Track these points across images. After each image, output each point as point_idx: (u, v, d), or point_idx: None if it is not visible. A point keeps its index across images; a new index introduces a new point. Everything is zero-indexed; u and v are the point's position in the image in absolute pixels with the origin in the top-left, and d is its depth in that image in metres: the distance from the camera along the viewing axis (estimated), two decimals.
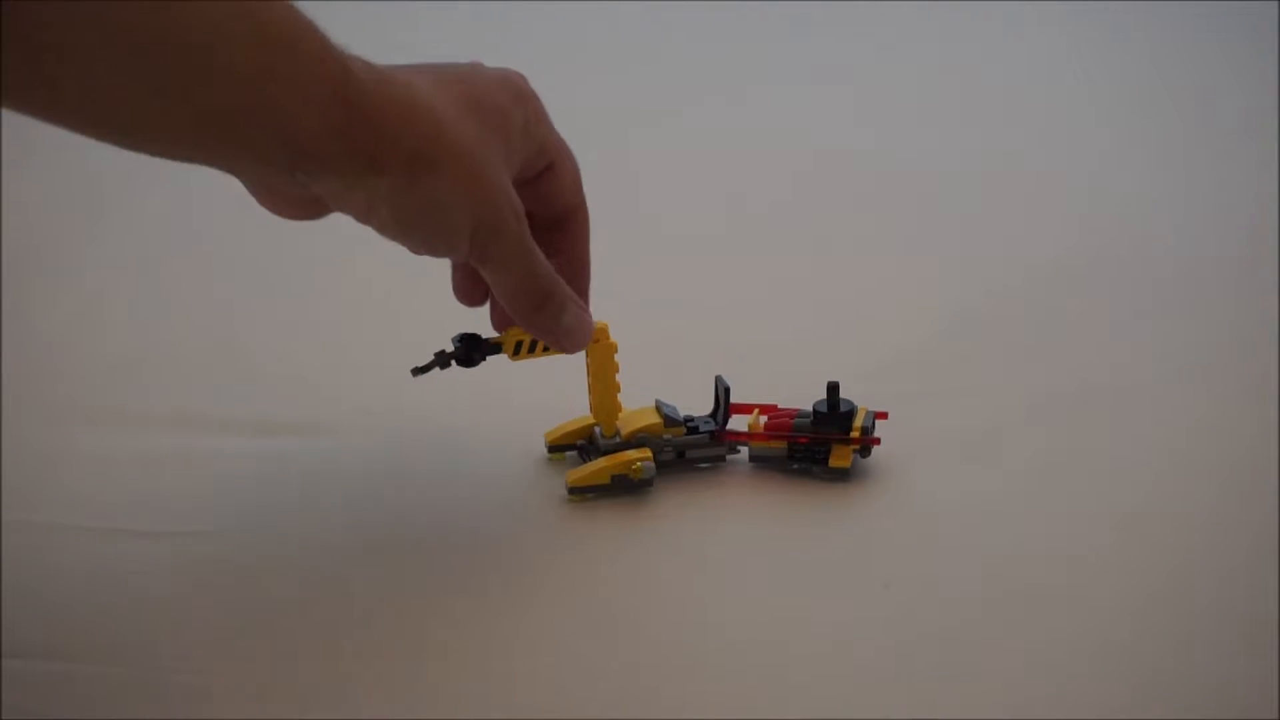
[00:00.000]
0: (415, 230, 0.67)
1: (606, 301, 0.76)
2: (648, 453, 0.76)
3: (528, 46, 1.27)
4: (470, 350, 0.74)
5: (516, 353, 0.74)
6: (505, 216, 0.68)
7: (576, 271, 0.75)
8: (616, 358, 0.76)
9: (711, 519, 0.75)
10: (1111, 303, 0.94)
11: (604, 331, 0.76)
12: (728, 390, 0.77)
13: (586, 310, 0.74)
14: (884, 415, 0.78)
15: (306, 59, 0.62)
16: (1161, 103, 1.22)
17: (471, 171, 0.67)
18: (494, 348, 0.74)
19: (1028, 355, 0.88)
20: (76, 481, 0.78)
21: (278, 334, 0.92)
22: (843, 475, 0.77)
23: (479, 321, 0.75)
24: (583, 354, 0.76)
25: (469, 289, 0.75)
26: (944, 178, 1.11)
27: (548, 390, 0.78)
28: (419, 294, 0.80)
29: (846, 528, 0.75)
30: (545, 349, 0.74)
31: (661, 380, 0.79)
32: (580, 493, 0.76)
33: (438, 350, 0.74)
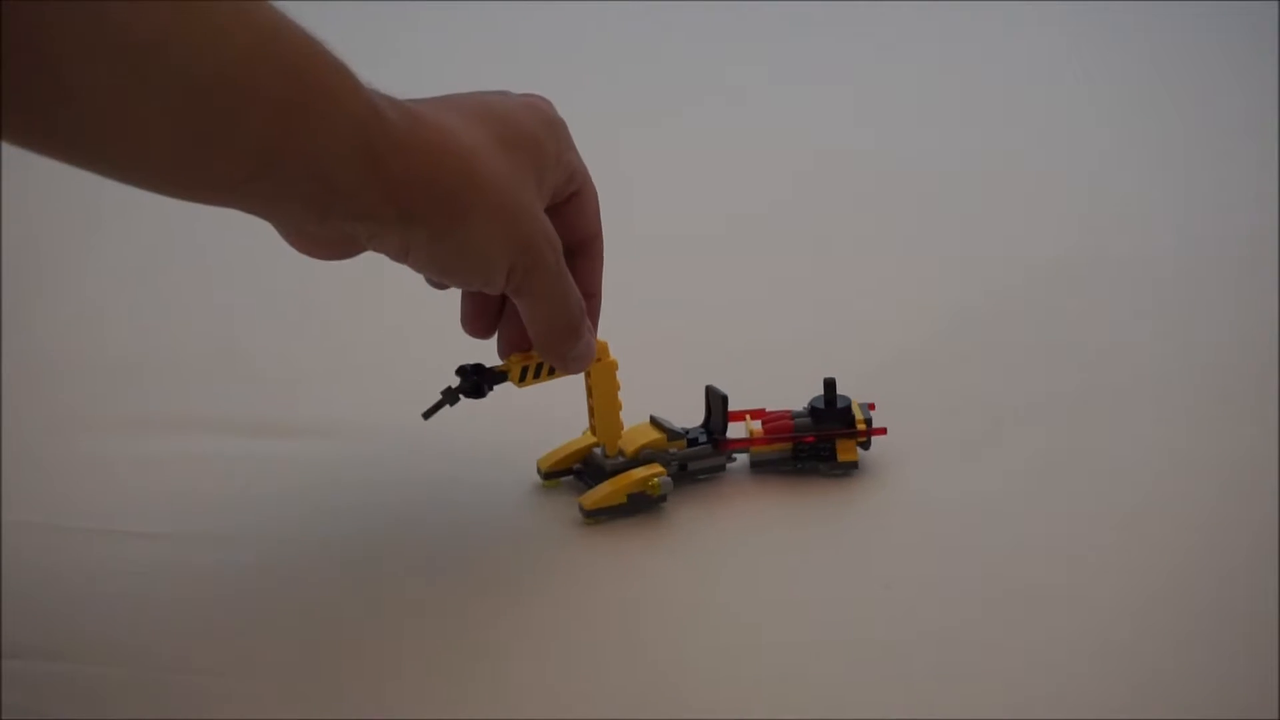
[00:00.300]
0: (452, 272, 0.67)
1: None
2: (661, 469, 0.75)
3: (520, 47, 1.29)
4: (479, 382, 0.72)
5: (522, 379, 0.73)
6: (543, 251, 0.68)
7: (588, 301, 0.74)
8: (617, 375, 0.75)
9: (722, 527, 0.75)
10: (1111, 303, 0.94)
11: (604, 350, 0.75)
12: (724, 399, 0.77)
13: (594, 333, 0.73)
14: (873, 406, 0.78)
15: (336, 94, 0.61)
16: (1161, 102, 1.22)
17: (507, 210, 0.66)
18: (500, 376, 0.73)
19: (1027, 355, 0.88)
20: (76, 483, 0.78)
21: (277, 337, 0.92)
22: (853, 468, 0.77)
23: (471, 348, 0.74)
24: (582, 374, 0.75)
25: (480, 322, 0.74)
26: (943, 178, 1.11)
27: (533, 414, 0.77)
28: (419, 294, 0.79)
29: (851, 527, 0.75)
30: (550, 373, 0.73)
31: (647, 389, 0.77)
32: (597, 516, 0.75)
33: (444, 388, 0.72)
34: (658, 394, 0.78)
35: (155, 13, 0.56)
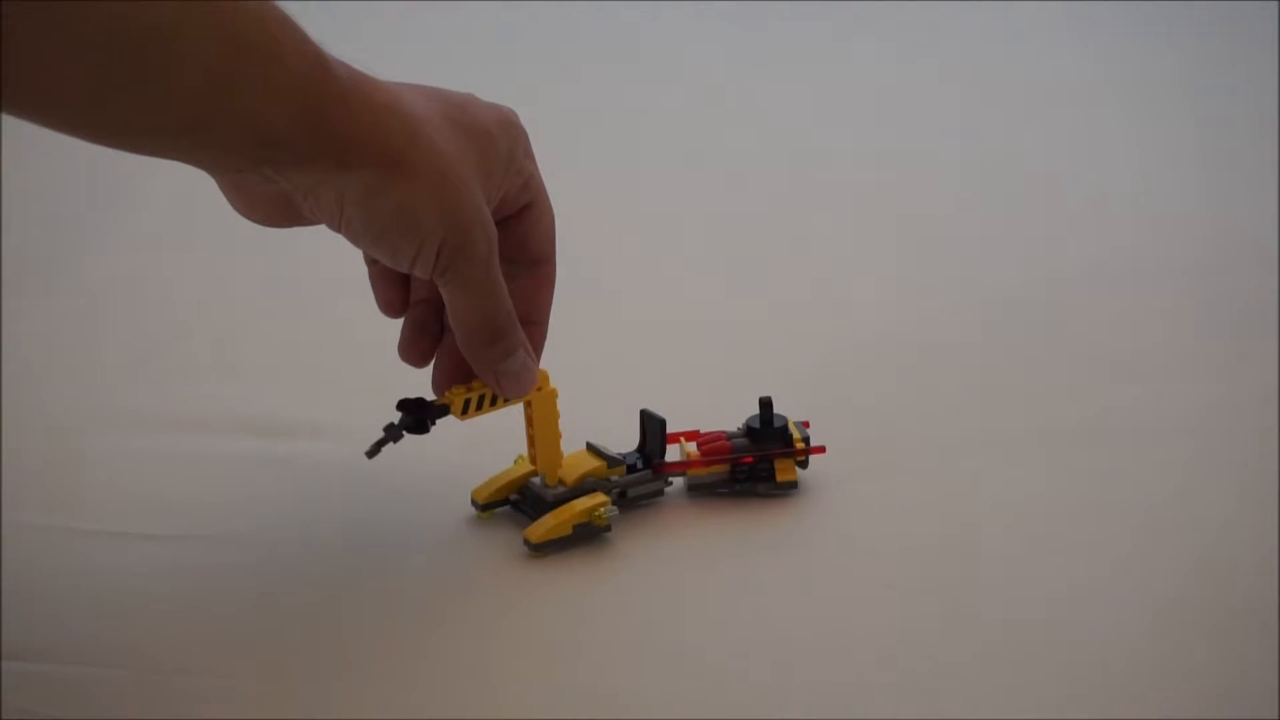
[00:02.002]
0: (383, 235, 0.65)
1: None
2: (605, 498, 0.74)
3: (492, 46, 1.30)
4: (421, 417, 0.71)
5: (465, 411, 0.72)
6: (476, 235, 0.66)
7: (532, 328, 0.73)
8: (557, 404, 0.74)
9: (669, 554, 0.74)
10: (1111, 302, 0.96)
11: (545, 379, 0.73)
12: (662, 423, 0.76)
13: (535, 360, 0.72)
14: (807, 424, 0.78)
15: (280, 52, 0.61)
16: (1165, 112, 1.22)
17: (446, 181, 0.65)
18: (441, 409, 0.72)
19: (1021, 358, 0.90)
20: (77, 484, 0.79)
21: (280, 336, 0.93)
22: (792, 488, 0.77)
23: (419, 386, 0.74)
24: (521, 404, 0.74)
25: (418, 345, 0.72)
26: (904, 183, 1.12)
27: (467, 444, 0.76)
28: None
29: (798, 546, 0.75)
30: (492, 404, 0.72)
31: (572, 413, 0.76)
32: (543, 549, 0.73)
33: (386, 424, 0.72)
34: (584, 417, 0.76)
35: None
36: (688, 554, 0.74)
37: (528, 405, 0.74)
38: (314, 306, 0.96)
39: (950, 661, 0.67)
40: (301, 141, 0.62)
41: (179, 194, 1.03)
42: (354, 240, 0.66)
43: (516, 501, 0.76)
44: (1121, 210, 1.08)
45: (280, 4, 0.62)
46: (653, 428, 0.76)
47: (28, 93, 0.58)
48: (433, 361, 0.73)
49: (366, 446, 0.72)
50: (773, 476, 0.77)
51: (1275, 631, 0.67)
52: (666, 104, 1.26)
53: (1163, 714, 0.63)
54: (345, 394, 0.85)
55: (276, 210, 0.67)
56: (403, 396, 0.72)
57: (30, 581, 0.71)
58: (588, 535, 0.74)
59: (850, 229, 1.06)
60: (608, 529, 0.74)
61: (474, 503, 0.76)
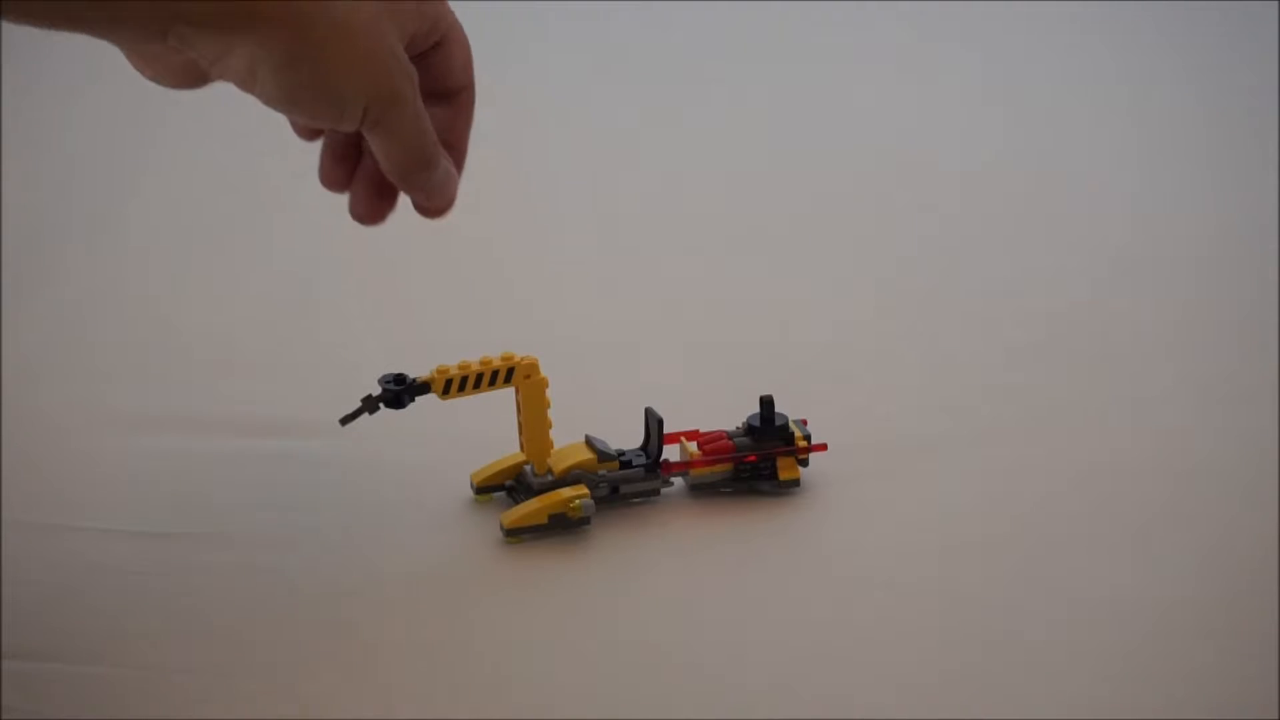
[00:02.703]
0: (301, 100, 0.63)
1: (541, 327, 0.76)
2: (584, 490, 0.74)
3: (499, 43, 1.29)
4: (399, 392, 0.72)
5: (446, 392, 0.73)
6: (401, 84, 0.65)
7: (452, 152, 0.71)
8: (547, 393, 0.74)
9: (654, 551, 0.74)
10: (1111, 302, 0.95)
11: (534, 367, 0.74)
12: (660, 422, 0.75)
13: (454, 167, 0.70)
14: (805, 421, 0.78)
15: None
16: (1166, 112, 1.21)
17: (359, 41, 0.63)
18: (422, 387, 0.73)
19: (1022, 358, 0.89)
20: (76, 482, 0.79)
21: (277, 334, 0.93)
22: (794, 486, 0.77)
23: (404, 361, 0.75)
24: (512, 391, 0.74)
25: (337, 174, 0.70)
26: (899, 181, 1.12)
27: (473, 427, 0.77)
28: (421, 292, 0.80)
29: (796, 536, 0.75)
30: (475, 387, 0.73)
31: (590, 406, 0.77)
32: (517, 534, 0.73)
33: (364, 395, 0.72)
34: (587, 415, 0.77)
35: None
36: (688, 552, 0.74)
37: (517, 393, 0.75)
38: (312, 306, 0.96)
39: (950, 661, 0.67)
40: (206, 8, 0.60)
41: (177, 194, 1.06)
42: (267, 103, 0.64)
43: (511, 488, 0.77)
44: (1122, 210, 1.08)
45: None
46: (653, 426, 0.76)
47: None
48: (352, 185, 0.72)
49: (341, 415, 0.72)
50: (775, 475, 0.77)
51: (1275, 631, 0.67)
52: (671, 100, 1.25)
53: (1163, 714, 0.63)
54: (343, 392, 0.83)
55: (183, 74, 0.65)
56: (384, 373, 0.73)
57: (30, 581, 0.71)
58: (564, 526, 0.74)
59: (852, 227, 1.06)
60: (585, 522, 0.74)
61: (472, 485, 0.77)
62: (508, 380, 0.74)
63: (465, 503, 0.77)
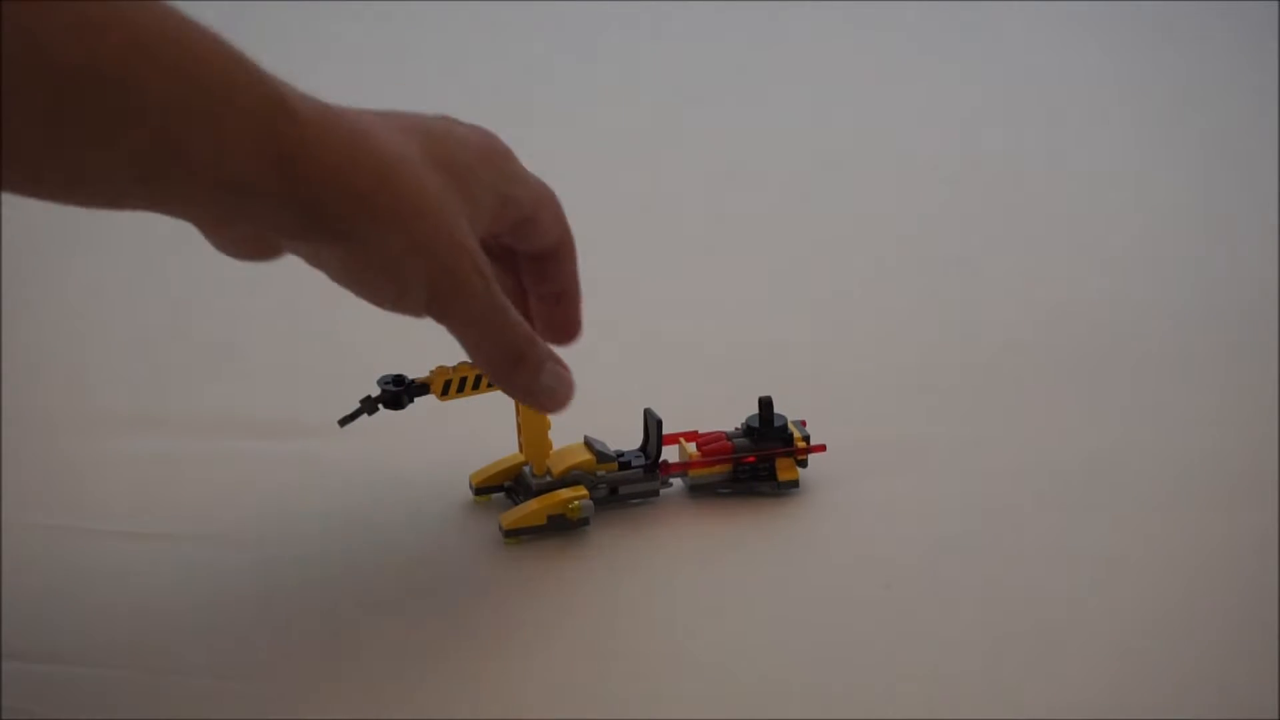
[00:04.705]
0: (364, 283, 0.63)
1: None
2: (583, 491, 0.74)
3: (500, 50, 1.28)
4: (397, 393, 0.72)
5: (445, 393, 0.73)
6: (466, 273, 0.63)
7: (566, 296, 0.72)
8: None
9: (652, 551, 0.74)
10: (1112, 303, 0.95)
11: None
12: (659, 423, 0.75)
13: (566, 368, 0.69)
14: (804, 422, 0.78)
15: (230, 94, 0.57)
16: (1165, 113, 1.22)
17: (427, 224, 0.62)
18: (421, 388, 0.73)
19: (1021, 359, 0.89)
20: (76, 483, 0.79)
21: (276, 335, 0.93)
22: (794, 487, 0.77)
23: (403, 361, 0.74)
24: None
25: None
26: (898, 180, 1.12)
27: (472, 428, 0.77)
28: None
29: (795, 537, 0.75)
30: (474, 388, 0.73)
31: (589, 413, 0.75)
32: (516, 535, 0.73)
33: (363, 396, 0.72)
34: (600, 412, 0.76)
35: (15, 12, 0.52)
36: (687, 553, 0.74)
37: None
38: (311, 306, 0.93)
39: (949, 661, 0.67)
40: (263, 187, 0.58)
41: None
42: (336, 281, 0.64)
43: (509, 489, 0.77)
44: (1122, 210, 1.08)
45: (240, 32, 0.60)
46: (652, 427, 0.77)
47: (13, 167, 0.55)
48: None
49: (341, 415, 0.72)
50: (774, 476, 0.77)
51: (1276, 631, 0.67)
52: (672, 102, 1.25)
53: (1163, 714, 0.63)
54: (342, 393, 0.83)
55: (257, 250, 0.66)
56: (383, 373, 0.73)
57: (30, 581, 0.71)
58: (562, 527, 0.74)
59: (850, 229, 1.06)
60: (584, 523, 0.74)
61: (470, 485, 0.77)
62: None
63: (464, 504, 0.78)
